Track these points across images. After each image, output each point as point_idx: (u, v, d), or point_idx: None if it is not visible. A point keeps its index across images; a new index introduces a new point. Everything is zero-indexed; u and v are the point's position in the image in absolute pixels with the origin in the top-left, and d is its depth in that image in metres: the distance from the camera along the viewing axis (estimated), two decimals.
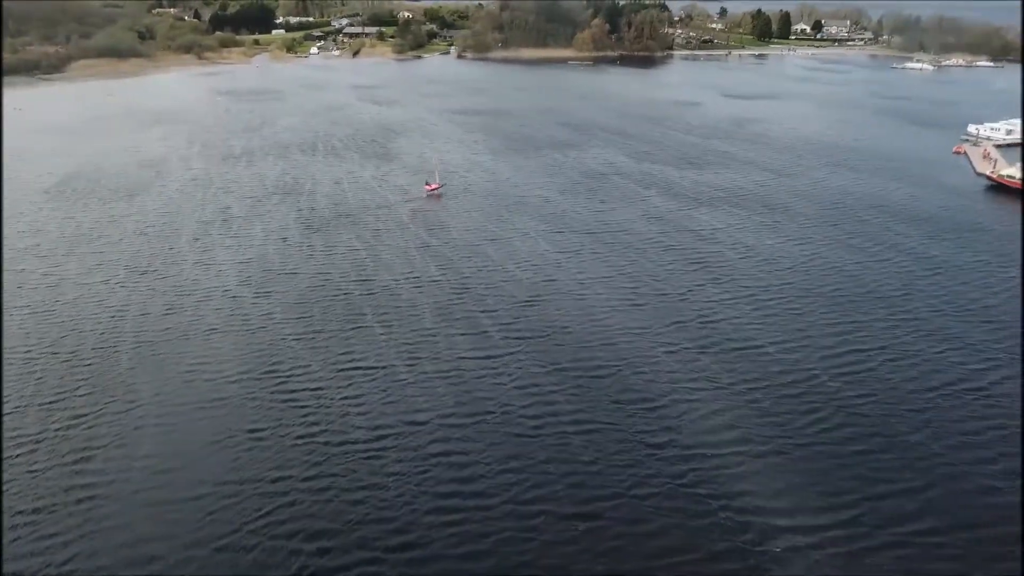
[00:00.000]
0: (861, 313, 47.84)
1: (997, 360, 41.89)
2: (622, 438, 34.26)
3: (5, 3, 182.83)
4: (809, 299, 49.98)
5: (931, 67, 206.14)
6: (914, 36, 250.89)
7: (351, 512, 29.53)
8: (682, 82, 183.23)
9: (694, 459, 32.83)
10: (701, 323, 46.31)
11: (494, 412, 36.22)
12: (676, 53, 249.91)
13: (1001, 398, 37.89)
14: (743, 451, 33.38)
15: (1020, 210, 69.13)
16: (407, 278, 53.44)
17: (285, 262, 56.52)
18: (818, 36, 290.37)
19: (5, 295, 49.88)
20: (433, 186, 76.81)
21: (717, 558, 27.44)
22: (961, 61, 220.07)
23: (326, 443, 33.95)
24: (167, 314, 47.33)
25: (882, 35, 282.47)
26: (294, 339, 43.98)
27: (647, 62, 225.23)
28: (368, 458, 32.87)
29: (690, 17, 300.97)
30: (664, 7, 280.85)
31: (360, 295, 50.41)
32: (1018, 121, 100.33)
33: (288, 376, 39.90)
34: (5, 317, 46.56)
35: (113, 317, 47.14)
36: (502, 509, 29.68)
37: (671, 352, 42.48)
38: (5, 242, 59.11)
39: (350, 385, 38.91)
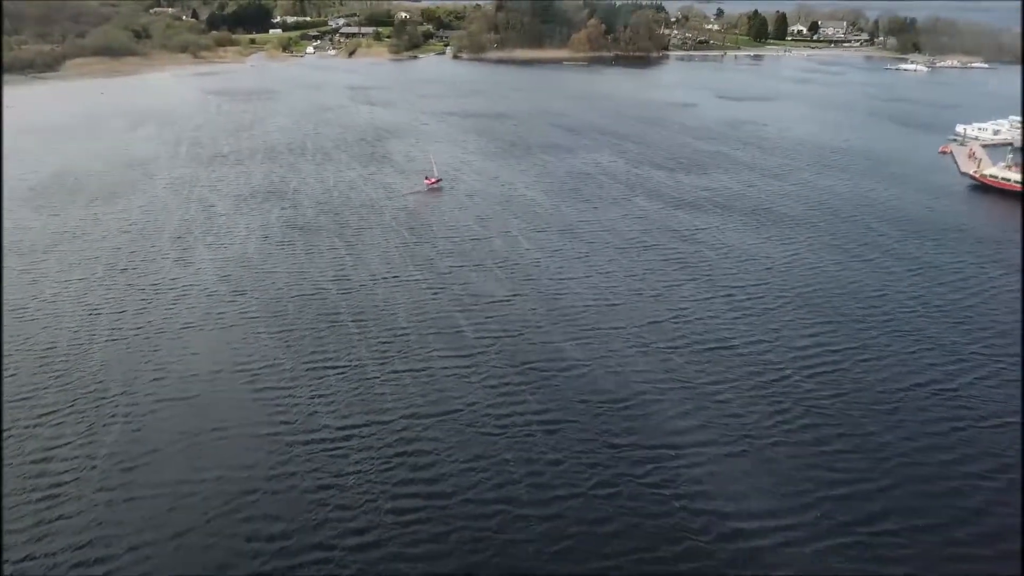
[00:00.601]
0: (837, 313, 47.83)
1: (969, 361, 41.89)
2: (588, 437, 34.24)
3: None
4: (786, 299, 49.99)
5: (925, 68, 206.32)
6: (909, 38, 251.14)
7: (312, 510, 29.47)
8: (676, 83, 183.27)
9: (659, 459, 32.78)
10: (675, 322, 46.32)
11: (461, 410, 36.23)
12: (672, 54, 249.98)
13: (970, 399, 37.90)
14: (708, 451, 33.35)
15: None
16: (386, 277, 53.44)
17: (265, 260, 56.48)
18: (814, 37, 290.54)
19: None
20: (432, 180, 78.51)
21: (677, 558, 27.33)
22: (955, 63, 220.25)
23: (292, 440, 33.93)
24: (142, 311, 47.32)
25: (878, 36, 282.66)
26: (268, 336, 43.99)
27: (642, 63, 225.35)
28: (333, 456, 32.84)
29: (686, 18, 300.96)
30: (661, 8, 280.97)
31: (337, 293, 50.36)
32: (1005, 122, 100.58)
33: (259, 373, 39.87)
34: None
35: (89, 314, 47.14)
36: (463, 508, 29.61)
37: (642, 351, 42.49)
38: None
39: (320, 382, 38.89)
